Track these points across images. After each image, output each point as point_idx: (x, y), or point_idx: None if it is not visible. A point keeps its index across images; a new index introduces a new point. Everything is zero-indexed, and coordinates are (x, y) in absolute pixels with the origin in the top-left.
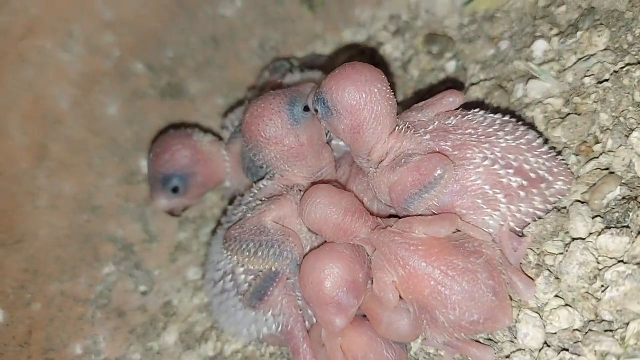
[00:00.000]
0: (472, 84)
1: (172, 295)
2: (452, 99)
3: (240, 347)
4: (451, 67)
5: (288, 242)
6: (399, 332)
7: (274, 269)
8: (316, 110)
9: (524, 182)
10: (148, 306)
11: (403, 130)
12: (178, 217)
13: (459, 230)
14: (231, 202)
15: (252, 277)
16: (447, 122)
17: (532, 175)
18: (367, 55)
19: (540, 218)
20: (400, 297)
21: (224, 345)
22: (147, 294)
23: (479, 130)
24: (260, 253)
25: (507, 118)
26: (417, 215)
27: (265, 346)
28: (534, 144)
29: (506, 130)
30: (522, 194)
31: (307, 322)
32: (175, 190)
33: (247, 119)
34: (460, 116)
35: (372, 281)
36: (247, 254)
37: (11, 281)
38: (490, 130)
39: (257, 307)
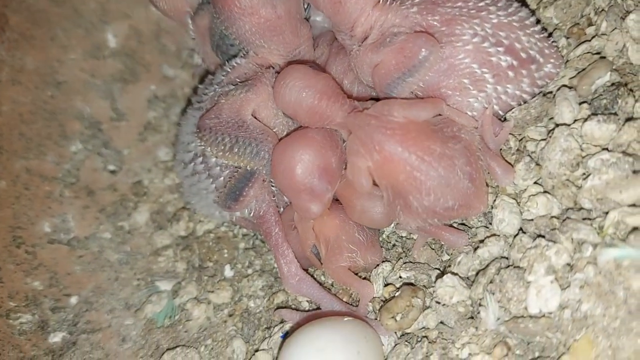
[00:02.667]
0: None
1: (142, 175)
2: None
3: (212, 227)
4: None
5: (266, 141)
6: (372, 218)
7: (249, 168)
8: None
9: (514, 62)
10: (117, 185)
11: (388, 2)
12: None
13: (439, 114)
14: (202, 81)
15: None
16: None
17: (523, 55)
18: None
19: (525, 102)
20: (375, 183)
21: (195, 225)
22: (116, 173)
23: (470, 4)
24: (236, 149)
25: None
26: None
27: (238, 227)
28: (526, 22)
29: (498, 5)
30: (510, 74)
31: (281, 209)
32: None
33: None
34: None
35: (347, 166)
36: (222, 147)
37: None
38: (482, 4)
39: (233, 208)
